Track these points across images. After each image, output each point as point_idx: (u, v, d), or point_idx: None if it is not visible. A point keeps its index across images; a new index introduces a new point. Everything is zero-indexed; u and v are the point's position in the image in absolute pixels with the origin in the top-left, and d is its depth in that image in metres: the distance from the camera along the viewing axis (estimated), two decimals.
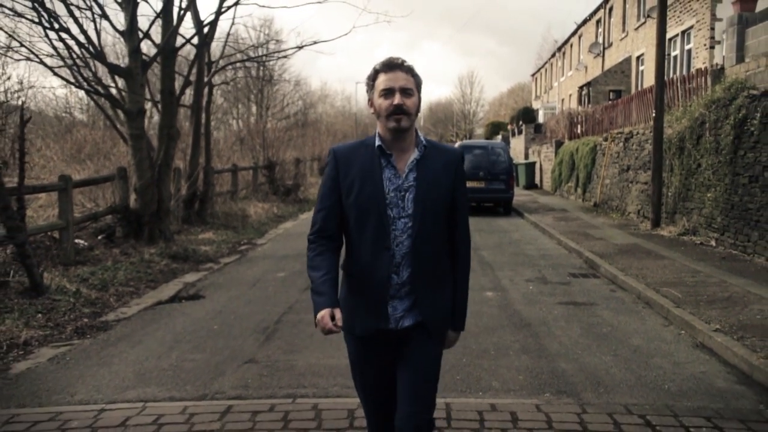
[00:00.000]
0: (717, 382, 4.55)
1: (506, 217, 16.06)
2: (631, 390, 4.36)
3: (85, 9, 9.37)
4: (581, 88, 29.07)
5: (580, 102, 28.77)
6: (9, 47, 9.53)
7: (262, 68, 33.18)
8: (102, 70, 12.11)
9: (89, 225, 9.53)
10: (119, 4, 9.61)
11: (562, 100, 36.61)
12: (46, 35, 9.01)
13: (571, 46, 35.64)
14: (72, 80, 9.83)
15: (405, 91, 2.32)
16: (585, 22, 31.90)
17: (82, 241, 8.88)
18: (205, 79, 12.93)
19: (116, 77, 10.70)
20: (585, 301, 7.02)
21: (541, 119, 36.13)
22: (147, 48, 11.46)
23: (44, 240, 8.32)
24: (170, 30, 10.15)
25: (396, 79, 2.32)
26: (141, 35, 9.79)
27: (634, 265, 8.53)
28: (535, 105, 44.42)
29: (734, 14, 12.01)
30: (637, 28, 23.75)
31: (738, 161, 9.19)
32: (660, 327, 5.98)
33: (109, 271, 7.79)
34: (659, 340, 5.56)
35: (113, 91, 10.74)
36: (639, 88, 20.99)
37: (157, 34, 10.80)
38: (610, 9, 27.57)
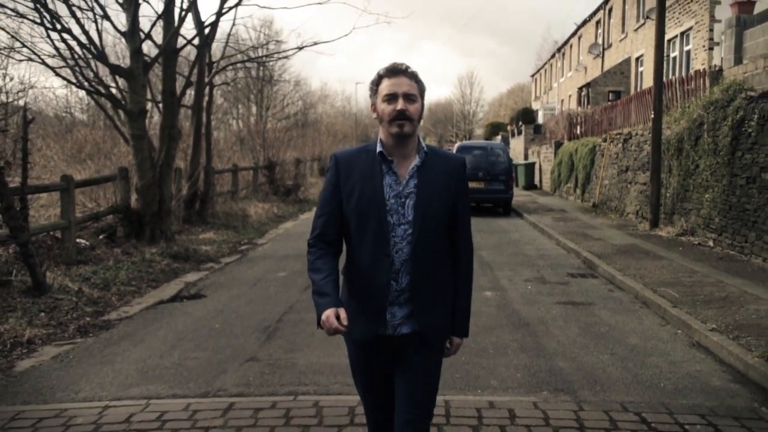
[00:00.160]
0: (712, 380, 4.61)
1: (505, 217, 16.13)
2: (627, 388, 4.42)
3: (87, 10, 9.43)
4: (581, 88, 29.12)
5: (579, 103, 28.83)
6: (12, 48, 9.59)
7: (262, 69, 33.29)
8: (103, 71, 12.14)
9: (91, 225, 9.57)
10: (121, 5, 9.65)
11: (562, 100, 36.65)
12: (48, 36, 9.07)
13: (571, 46, 35.69)
14: (74, 80, 9.87)
15: (408, 97, 2.32)
16: (585, 22, 31.95)
17: (83, 241, 8.93)
18: (206, 80, 12.97)
19: (117, 78, 10.74)
20: (583, 300, 7.08)
21: (540, 120, 36.18)
22: (148, 49, 11.58)
23: (46, 239, 8.36)
24: (171, 31, 10.19)
25: (400, 84, 2.33)
26: (142, 36, 9.85)
27: (632, 265, 8.58)
28: (535, 106, 44.46)
29: (732, 16, 12.08)
30: (636, 29, 23.78)
31: (736, 162, 9.25)
32: (657, 326, 6.04)
33: (111, 270, 7.84)
34: (656, 339, 5.62)
35: (114, 91, 10.80)
36: (638, 89, 21.03)
37: (158, 34, 10.85)
38: (610, 10, 27.63)
